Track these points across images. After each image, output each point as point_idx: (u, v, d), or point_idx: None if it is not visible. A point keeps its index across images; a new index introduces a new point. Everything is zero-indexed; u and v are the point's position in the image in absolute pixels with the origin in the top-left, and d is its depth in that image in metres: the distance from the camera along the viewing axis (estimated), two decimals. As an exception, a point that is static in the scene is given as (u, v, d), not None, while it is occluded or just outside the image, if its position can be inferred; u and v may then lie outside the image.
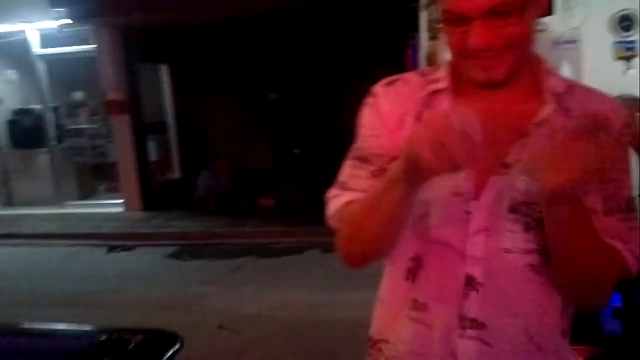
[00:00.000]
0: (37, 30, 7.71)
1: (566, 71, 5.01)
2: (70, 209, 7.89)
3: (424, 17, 5.78)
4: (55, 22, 6.93)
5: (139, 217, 7.38)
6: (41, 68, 7.98)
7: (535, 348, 1.00)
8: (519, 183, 0.96)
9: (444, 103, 1.02)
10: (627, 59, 5.22)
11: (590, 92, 1.04)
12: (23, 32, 7.71)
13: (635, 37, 5.14)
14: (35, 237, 6.76)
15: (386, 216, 0.96)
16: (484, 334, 0.99)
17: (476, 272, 0.99)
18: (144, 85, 7.94)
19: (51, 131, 8.16)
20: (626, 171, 1.00)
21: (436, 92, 1.04)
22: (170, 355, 1.58)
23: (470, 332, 0.99)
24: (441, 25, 1.00)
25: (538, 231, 0.96)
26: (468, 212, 0.98)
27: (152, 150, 8.26)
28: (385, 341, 1.08)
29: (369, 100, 1.09)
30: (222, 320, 4.10)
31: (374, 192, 0.98)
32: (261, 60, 8.09)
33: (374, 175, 1.03)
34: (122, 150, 7.59)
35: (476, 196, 0.99)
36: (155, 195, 7.76)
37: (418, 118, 1.02)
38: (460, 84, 1.02)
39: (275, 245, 5.79)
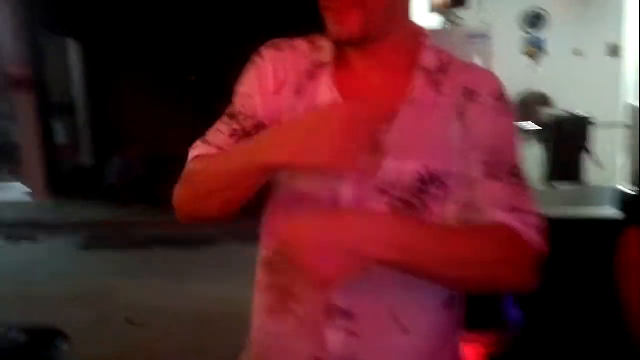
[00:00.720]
0: None
1: (478, 63, 5.16)
2: (-35, 194, 7.30)
3: None
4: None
5: (43, 204, 6.94)
6: None
7: (401, 330, 0.94)
8: (390, 164, 0.91)
9: (326, 77, 0.97)
10: (534, 55, 5.45)
11: (465, 66, 1.00)
12: None
13: (542, 35, 5.38)
14: None
15: (225, 200, 0.92)
16: (352, 324, 0.94)
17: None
18: (50, 60, 7.43)
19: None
20: (507, 137, 0.95)
21: (318, 64, 0.99)
22: (53, 354, 1.52)
23: (336, 322, 0.94)
24: None
25: (405, 213, 0.91)
26: (334, 192, 0.92)
27: (60, 133, 7.77)
28: (258, 332, 1.06)
29: (254, 59, 1.03)
30: (130, 314, 3.94)
31: (234, 157, 0.92)
32: (180, 39, 7.78)
33: (235, 134, 0.99)
34: (25, 131, 7.08)
35: (342, 175, 0.92)
36: (62, 181, 7.32)
37: (298, 91, 0.98)
38: (342, 52, 0.98)
39: (189, 236, 5.62)
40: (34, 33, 6.96)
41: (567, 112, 4.95)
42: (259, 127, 0.98)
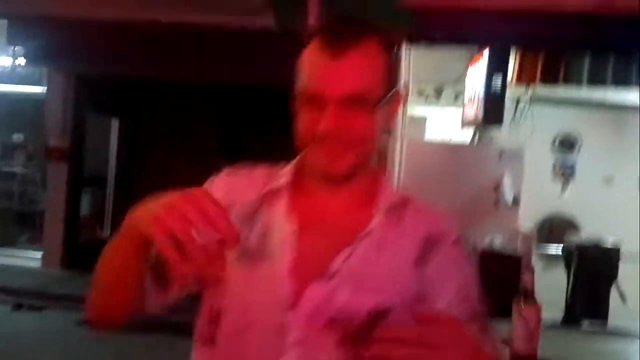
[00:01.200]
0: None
1: (507, 181, 5.15)
2: (-17, 257, 7.31)
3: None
4: (9, 59, 6.75)
5: (56, 274, 6.87)
6: (-17, 104, 7.65)
7: None
8: (340, 295, 0.91)
9: (280, 203, 0.98)
10: (564, 179, 5.39)
11: (423, 208, 1.02)
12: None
13: (574, 159, 5.36)
14: None
15: (110, 292, 0.95)
16: None
17: None
18: (90, 135, 7.68)
19: (-20, 170, 7.70)
20: (471, 285, 0.99)
21: (276, 189, 1.00)
22: None
23: None
24: (294, 108, 0.95)
25: (350, 347, 0.90)
26: (283, 324, 0.91)
27: (86, 204, 7.87)
28: None
29: (211, 178, 1.05)
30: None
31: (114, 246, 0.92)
32: (214, 126, 8.01)
33: None
34: (53, 200, 7.19)
35: (293, 305, 0.91)
36: (79, 253, 7.29)
37: (249, 217, 0.98)
38: (302, 180, 1.00)
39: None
40: (77, 110, 7.26)
41: (594, 241, 4.81)
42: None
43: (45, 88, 7.18)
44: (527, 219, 5.18)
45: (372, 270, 0.93)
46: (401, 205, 0.99)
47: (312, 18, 3.50)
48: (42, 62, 6.79)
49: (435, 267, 0.96)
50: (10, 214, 8.01)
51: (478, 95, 4.67)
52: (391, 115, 0.99)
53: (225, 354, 0.95)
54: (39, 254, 7.22)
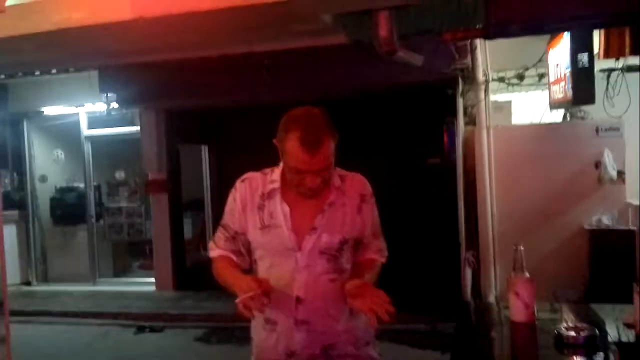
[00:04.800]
0: (86, 113, 8.10)
1: (608, 156, 4.90)
2: (104, 286, 7.91)
3: (460, 104, 5.83)
4: (104, 105, 7.25)
5: (170, 296, 7.31)
6: (87, 148, 8.30)
7: (334, 322, 1.83)
8: (323, 237, 1.80)
9: (277, 197, 1.81)
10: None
11: (350, 176, 1.90)
12: (74, 114, 8.12)
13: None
14: (67, 315, 6.73)
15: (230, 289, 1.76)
16: (309, 326, 1.80)
17: (301, 293, 1.79)
18: (184, 164, 8.13)
19: (91, 209, 8.35)
20: (377, 217, 1.93)
21: (272, 190, 1.82)
22: None
23: (301, 327, 1.80)
24: (286, 167, 1.76)
25: (334, 261, 1.81)
26: (294, 258, 1.79)
27: (188, 228, 8.31)
28: (256, 342, 1.89)
29: (233, 189, 1.88)
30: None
31: (228, 280, 1.79)
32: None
33: (227, 239, 1.88)
34: (158, 228, 7.66)
35: (299, 248, 1.79)
36: (187, 274, 7.72)
37: (260, 207, 1.82)
38: (287, 185, 1.81)
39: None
40: (170, 143, 7.71)
41: None
42: (237, 233, 1.85)
43: (139, 127, 7.69)
44: (635, 193, 4.91)
45: (335, 222, 1.81)
46: (342, 181, 1.85)
47: (383, 30, 3.55)
48: (133, 104, 7.27)
49: (364, 212, 1.87)
50: (122, 246, 8.63)
51: (565, 75, 4.51)
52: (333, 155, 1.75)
53: (264, 273, 1.81)
54: (151, 279, 7.72)
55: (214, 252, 1.87)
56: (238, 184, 1.85)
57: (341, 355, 1.83)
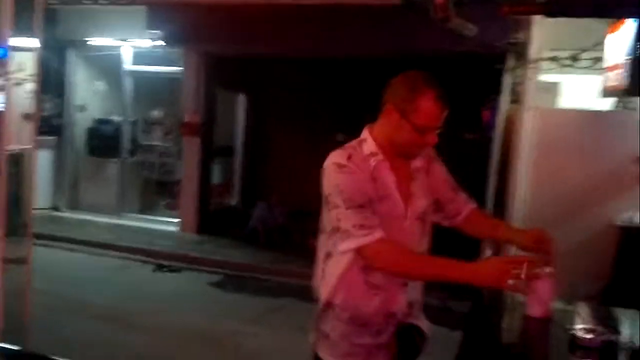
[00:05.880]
0: (131, 48, 8.11)
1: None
2: (129, 221, 8.08)
3: (507, 80, 5.60)
4: (149, 42, 7.26)
5: (191, 239, 7.43)
6: (128, 83, 8.36)
7: (423, 287, 1.98)
8: (419, 202, 1.90)
9: (385, 168, 1.84)
10: None
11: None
12: (118, 48, 8.14)
13: None
14: (91, 244, 6.92)
15: (424, 279, 1.92)
16: (408, 288, 1.88)
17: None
18: (220, 110, 8.12)
19: (126, 144, 8.46)
20: (448, 173, 2.05)
21: (379, 162, 1.84)
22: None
23: (404, 289, 1.88)
24: (405, 129, 1.80)
25: (424, 225, 1.92)
26: (404, 222, 1.87)
27: (216, 174, 8.37)
28: (351, 305, 1.86)
29: (344, 169, 1.80)
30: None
31: (430, 270, 1.76)
32: (334, 101, 8.10)
33: (374, 214, 1.78)
34: (188, 170, 7.74)
35: (405, 215, 1.87)
36: (211, 219, 7.81)
37: (373, 178, 1.82)
38: (386, 155, 1.85)
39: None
40: (209, 88, 7.69)
41: None
42: (371, 207, 1.78)
43: (181, 68, 7.67)
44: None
45: (423, 186, 1.92)
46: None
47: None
48: (178, 44, 7.27)
49: (436, 173, 1.99)
50: (151, 184, 8.76)
51: (622, 62, 4.25)
52: None
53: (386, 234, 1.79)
54: (176, 220, 7.85)
55: (375, 234, 1.75)
56: (346, 162, 1.79)
57: (415, 314, 1.95)
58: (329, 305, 1.88)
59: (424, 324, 1.97)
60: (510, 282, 1.52)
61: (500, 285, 1.58)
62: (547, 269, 1.80)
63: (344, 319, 1.85)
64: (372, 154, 1.83)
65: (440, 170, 2.00)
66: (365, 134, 1.88)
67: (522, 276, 1.52)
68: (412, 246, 1.84)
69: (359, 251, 1.76)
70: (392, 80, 1.86)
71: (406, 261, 1.76)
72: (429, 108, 1.76)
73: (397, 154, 1.85)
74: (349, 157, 1.79)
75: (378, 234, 1.74)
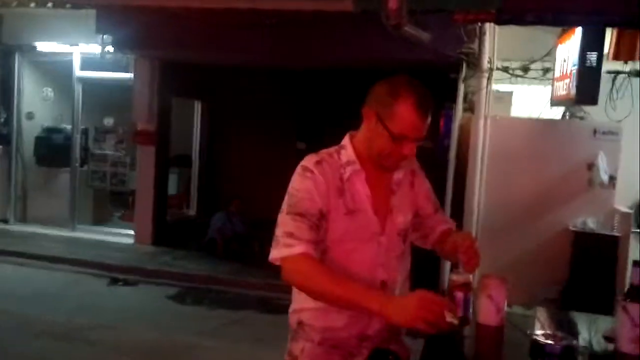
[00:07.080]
0: (80, 53, 7.87)
1: (602, 160, 4.84)
2: (82, 233, 7.83)
3: (461, 89, 5.72)
4: (99, 47, 7.04)
5: (147, 251, 7.25)
6: (78, 90, 8.09)
7: (407, 277, 1.86)
8: (399, 218, 1.78)
9: (359, 180, 1.71)
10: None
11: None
12: (68, 54, 7.88)
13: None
14: (41, 258, 6.66)
15: (338, 305, 1.64)
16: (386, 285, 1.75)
17: (385, 276, 1.74)
18: (175, 118, 7.97)
19: (76, 153, 8.19)
20: (431, 189, 1.92)
21: (354, 171, 1.70)
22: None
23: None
24: (382, 136, 1.65)
25: (404, 241, 1.81)
26: (378, 241, 1.73)
27: (173, 184, 8.21)
28: (320, 321, 1.73)
29: (306, 173, 1.66)
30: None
31: (342, 293, 1.57)
32: (294, 109, 8.09)
33: (311, 227, 1.62)
34: (142, 180, 7.56)
35: (382, 232, 1.74)
36: (168, 230, 7.65)
37: (341, 191, 1.68)
38: (363, 165, 1.71)
39: (279, 300, 5.57)
40: (162, 95, 7.54)
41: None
42: (320, 220, 1.64)
43: (133, 75, 7.48)
44: (623, 200, 4.87)
45: (404, 201, 1.80)
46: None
47: (392, 2, 3.41)
48: (129, 49, 7.05)
49: (418, 186, 1.86)
50: (104, 194, 8.50)
51: (570, 72, 4.40)
52: None
53: (344, 259, 1.69)
54: (130, 231, 7.64)
55: (297, 247, 1.58)
56: (312, 166, 1.65)
57: (394, 338, 1.80)
58: (299, 324, 1.77)
59: (403, 349, 1.83)
60: (422, 325, 1.44)
61: (408, 326, 1.49)
62: (469, 277, 1.78)
63: (315, 339, 1.74)
64: (349, 163, 1.69)
65: (423, 184, 1.87)
66: (345, 140, 1.75)
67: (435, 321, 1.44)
68: (391, 263, 1.74)
69: (281, 263, 1.61)
70: (376, 83, 1.70)
71: (320, 282, 1.57)
72: (406, 115, 1.60)
73: (375, 165, 1.70)
74: (318, 163, 1.66)
75: (300, 248, 1.57)
